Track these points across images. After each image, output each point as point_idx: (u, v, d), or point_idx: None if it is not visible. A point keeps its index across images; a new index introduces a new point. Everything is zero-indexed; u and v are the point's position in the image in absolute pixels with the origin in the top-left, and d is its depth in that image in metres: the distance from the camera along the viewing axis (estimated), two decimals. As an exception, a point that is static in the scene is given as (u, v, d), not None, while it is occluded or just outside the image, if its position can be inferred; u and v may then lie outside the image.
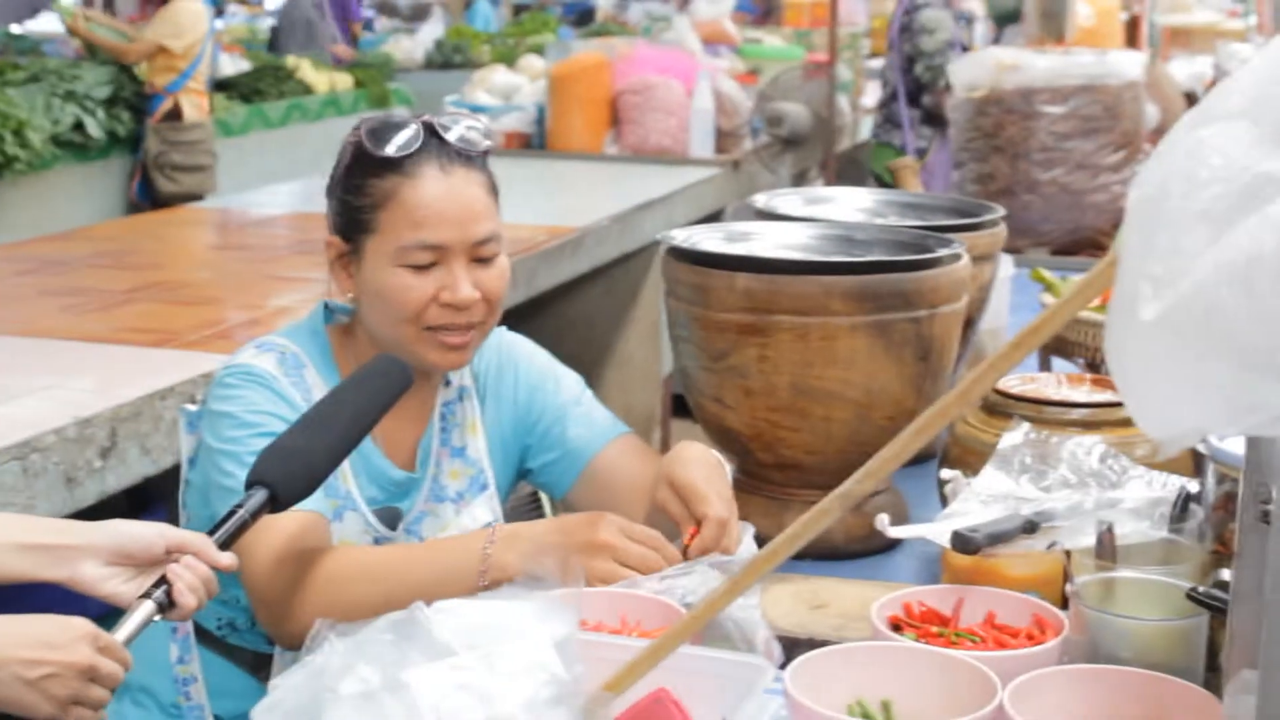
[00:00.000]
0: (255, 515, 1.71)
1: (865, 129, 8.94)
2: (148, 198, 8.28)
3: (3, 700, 1.53)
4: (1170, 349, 0.91)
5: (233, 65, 10.62)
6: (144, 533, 1.68)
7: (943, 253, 2.15)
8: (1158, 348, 0.92)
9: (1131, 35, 7.55)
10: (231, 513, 1.71)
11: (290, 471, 1.73)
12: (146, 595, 1.63)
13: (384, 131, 2.02)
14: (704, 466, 1.95)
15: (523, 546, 1.88)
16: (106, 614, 1.63)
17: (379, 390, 1.86)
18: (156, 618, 1.63)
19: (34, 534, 1.68)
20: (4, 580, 1.68)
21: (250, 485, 1.73)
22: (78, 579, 1.67)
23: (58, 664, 1.52)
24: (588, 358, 5.88)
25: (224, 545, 1.69)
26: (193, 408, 2.16)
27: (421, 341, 2.03)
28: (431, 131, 2.03)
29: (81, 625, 1.56)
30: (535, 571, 1.78)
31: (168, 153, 8.24)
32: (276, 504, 1.73)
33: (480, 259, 2.03)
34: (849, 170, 8.25)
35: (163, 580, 1.64)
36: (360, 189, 2.03)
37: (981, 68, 4.57)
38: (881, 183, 6.75)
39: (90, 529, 1.70)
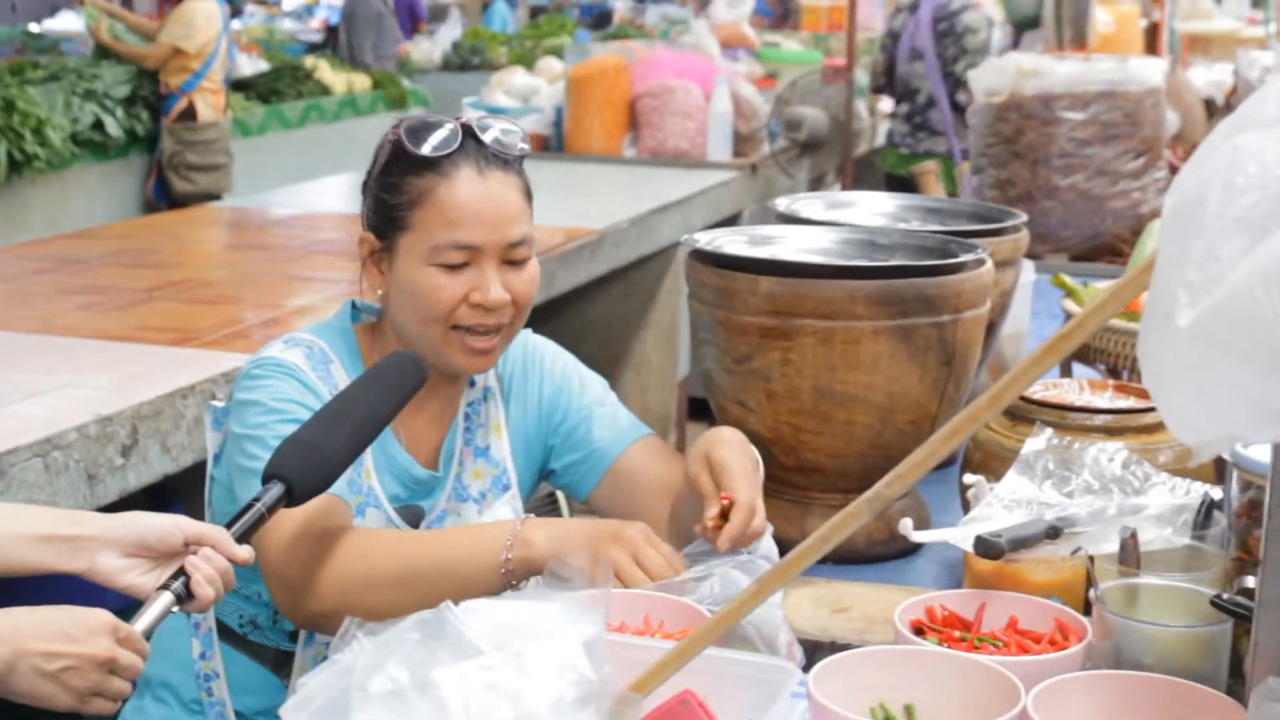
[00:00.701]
0: (271, 509, 1.72)
1: (883, 134, 8.94)
2: (164, 197, 8.30)
3: (22, 692, 1.53)
4: (1205, 355, 0.91)
5: (251, 65, 10.65)
6: (162, 524, 1.69)
7: (967, 258, 2.15)
8: (1193, 354, 0.92)
9: (1151, 42, 7.54)
10: (249, 506, 1.72)
11: (306, 466, 1.74)
12: (165, 587, 1.63)
13: (422, 131, 2.03)
14: (740, 451, 1.95)
15: (551, 529, 1.89)
16: (126, 607, 1.64)
17: (394, 387, 1.87)
18: (175, 609, 1.64)
19: (53, 525, 1.69)
20: (23, 571, 1.68)
21: (267, 479, 1.74)
22: (96, 570, 1.67)
23: (77, 656, 1.53)
24: (605, 360, 5.89)
25: (241, 539, 1.69)
26: (219, 404, 2.17)
27: (448, 342, 2.03)
28: (469, 133, 2.04)
29: (101, 617, 1.56)
30: (559, 553, 1.80)
31: (182, 152, 8.26)
32: (293, 498, 1.74)
33: (512, 261, 2.04)
34: (866, 175, 8.25)
35: (181, 572, 1.64)
36: (397, 187, 2.04)
37: (1002, 73, 4.55)
38: (904, 186, 6.71)
39: (108, 520, 1.70)
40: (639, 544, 1.86)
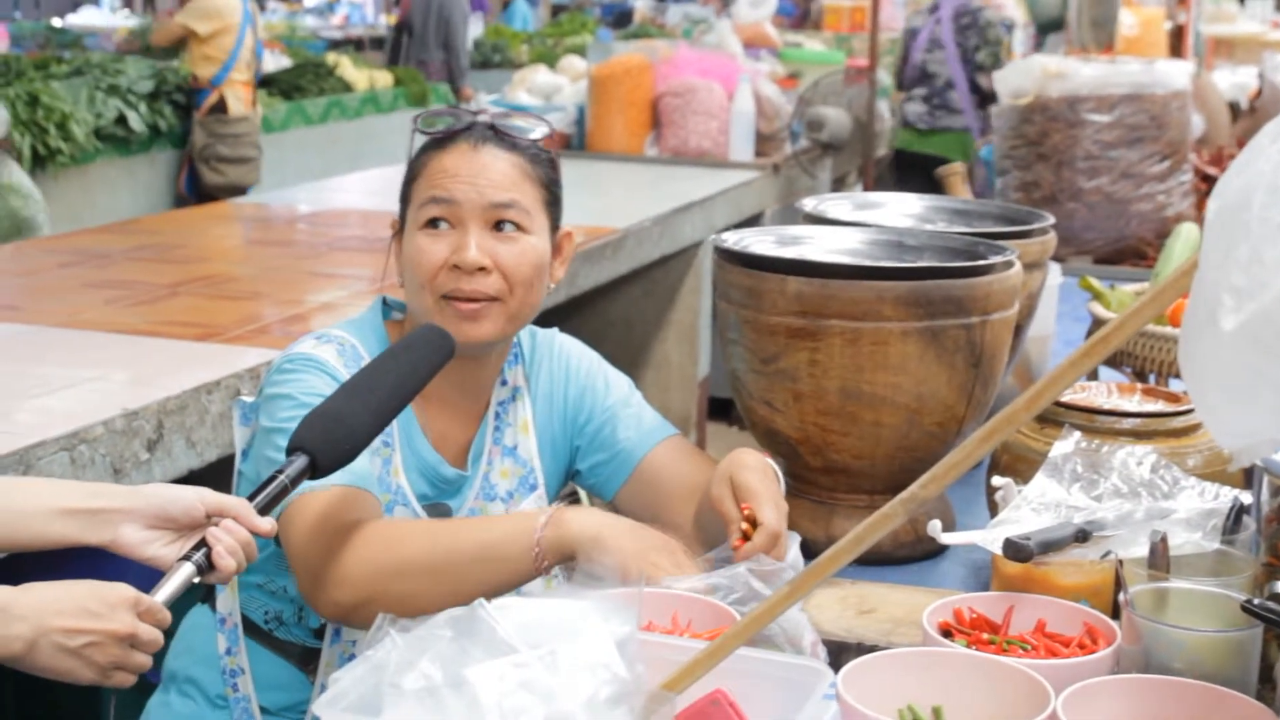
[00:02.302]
0: (295, 481, 1.70)
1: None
2: (194, 191, 8.35)
3: (45, 668, 1.53)
4: (1250, 360, 0.91)
5: (274, 62, 10.68)
6: (184, 496, 1.69)
7: (995, 259, 2.15)
8: (1237, 358, 0.92)
9: (1176, 44, 7.51)
10: (272, 478, 1.70)
11: (331, 438, 1.72)
12: (186, 558, 1.62)
13: (433, 115, 2.12)
14: (764, 475, 1.95)
15: (583, 516, 1.86)
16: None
17: (422, 359, 1.86)
18: (195, 580, 1.63)
19: (75, 499, 1.69)
20: (47, 545, 1.69)
21: (291, 452, 1.72)
22: (119, 542, 1.68)
23: (98, 632, 1.53)
24: (626, 359, 5.89)
25: (264, 510, 1.68)
26: (248, 400, 2.17)
27: (439, 311, 2.04)
28: (479, 121, 2.10)
29: (121, 592, 1.56)
30: (596, 535, 1.79)
31: (213, 145, 8.31)
32: (317, 470, 1.72)
33: (500, 230, 2.06)
34: (888, 176, 8.24)
35: (203, 543, 1.64)
36: (409, 167, 2.12)
37: (1027, 75, 4.55)
38: (916, 163, 7.60)
39: (131, 493, 1.70)
40: (664, 566, 1.83)
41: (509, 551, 1.85)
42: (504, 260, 2.05)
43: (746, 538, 1.88)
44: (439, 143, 2.08)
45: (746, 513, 1.90)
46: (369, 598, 1.82)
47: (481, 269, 2.03)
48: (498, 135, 2.08)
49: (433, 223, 2.05)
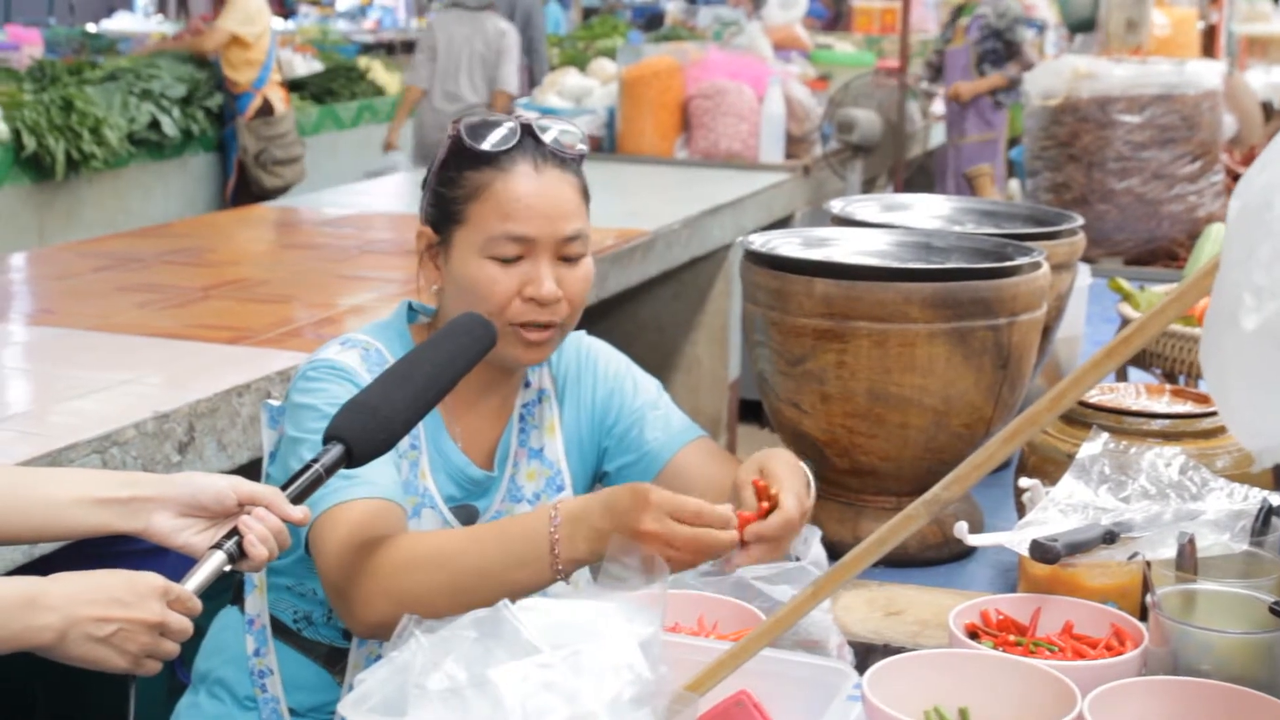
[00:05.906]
0: (330, 470, 1.71)
1: (936, 136, 8.93)
2: (239, 202, 8.36)
3: (77, 657, 1.55)
4: (1272, 358, 0.91)
5: (305, 66, 10.71)
6: (216, 484, 1.70)
7: (1023, 261, 2.14)
8: (1259, 357, 0.91)
9: (1208, 44, 7.47)
10: (307, 467, 1.71)
11: (367, 427, 1.72)
12: (217, 546, 1.63)
13: (482, 128, 2.06)
14: (793, 470, 1.92)
15: (586, 532, 1.79)
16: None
17: (462, 348, 1.86)
18: (227, 568, 1.64)
19: (108, 488, 1.70)
20: (81, 534, 1.71)
21: (327, 440, 1.72)
22: (152, 530, 1.69)
23: (128, 621, 1.54)
24: (656, 361, 5.89)
25: (296, 499, 1.69)
26: (275, 403, 2.18)
27: (503, 335, 2.04)
28: (528, 131, 2.06)
29: (151, 581, 1.57)
30: (613, 560, 1.76)
31: (267, 148, 8.35)
32: (352, 459, 1.72)
33: (566, 258, 2.06)
34: (918, 178, 8.23)
35: (234, 531, 1.64)
36: (454, 181, 2.06)
37: (1058, 76, 4.53)
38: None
39: (163, 481, 1.71)
40: (661, 534, 1.74)
41: (528, 576, 1.82)
42: (570, 287, 2.06)
43: (763, 515, 1.81)
44: (494, 160, 2.05)
45: (760, 486, 1.84)
46: (394, 617, 1.81)
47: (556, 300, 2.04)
48: (554, 154, 2.06)
49: (507, 257, 2.04)
